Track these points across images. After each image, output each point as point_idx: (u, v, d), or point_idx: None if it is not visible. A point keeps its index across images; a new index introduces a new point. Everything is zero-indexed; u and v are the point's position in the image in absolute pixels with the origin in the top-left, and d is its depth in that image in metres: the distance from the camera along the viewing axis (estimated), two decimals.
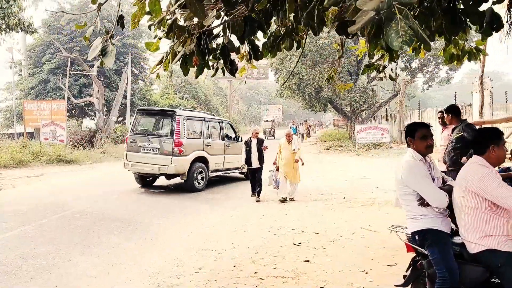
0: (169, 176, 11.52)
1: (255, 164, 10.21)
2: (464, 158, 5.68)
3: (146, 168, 11.16)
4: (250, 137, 10.47)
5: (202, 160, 11.61)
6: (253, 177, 10.28)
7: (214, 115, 13.70)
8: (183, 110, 12.09)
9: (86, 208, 8.94)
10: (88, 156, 20.37)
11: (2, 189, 11.92)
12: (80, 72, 30.10)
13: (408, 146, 3.56)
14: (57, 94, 29.93)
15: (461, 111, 6.54)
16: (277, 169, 10.10)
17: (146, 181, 12.28)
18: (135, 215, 8.37)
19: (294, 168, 9.81)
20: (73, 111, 32.85)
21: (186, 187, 11.25)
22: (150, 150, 11.25)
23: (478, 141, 3.27)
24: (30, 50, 33.00)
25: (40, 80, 30.98)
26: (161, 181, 12.73)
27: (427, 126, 3.53)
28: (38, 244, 6.39)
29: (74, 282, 4.99)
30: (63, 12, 4.54)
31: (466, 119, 6.26)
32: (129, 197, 10.33)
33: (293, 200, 9.81)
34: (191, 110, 13.51)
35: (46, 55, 31.54)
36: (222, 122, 13.20)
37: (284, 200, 9.70)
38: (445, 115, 6.39)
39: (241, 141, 13.17)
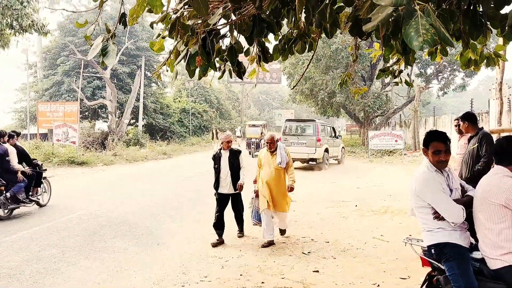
0: (311, 160, 17.64)
1: (226, 188, 6.75)
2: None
3: (298, 155, 17.24)
4: (221, 148, 6.91)
5: (326, 150, 18.22)
6: (222, 208, 6.79)
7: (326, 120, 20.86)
8: (316, 119, 19.35)
9: (94, 211, 8.86)
10: (99, 158, 20.41)
11: None
12: (93, 74, 30.32)
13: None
14: (71, 96, 30.18)
15: (478, 118, 6.26)
16: (257, 195, 6.81)
17: None
18: (143, 219, 8.25)
19: (281, 192, 6.64)
20: (86, 113, 33.08)
21: (320, 166, 17.91)
22: (299, 144, 17.69)
23: (507, 151, 3.04)
24: (45, 52, 33.39)
25: (54, 82, 31.29)
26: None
27: (443, 140, 3.18)
28: (43, 247, 6.31)
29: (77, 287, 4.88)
30: (72, 11, 4.45)
31: (482, 127, 6.01)
32: (137, 201, 10.24)
33: (284, 234, 7.06)
34: (319, 119, 21.03)
35: (61, 57, 31.87)
36: (331, 126, 20.61)
37: (268, 245, 6.51)
38: (461, 123, 6.15)
39: (338, 137, 20.85)
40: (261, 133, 25.95)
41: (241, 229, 7.16)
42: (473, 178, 5.53)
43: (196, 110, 39.99)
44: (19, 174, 8.34)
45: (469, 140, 6.04)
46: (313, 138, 17.57)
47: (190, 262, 5.75)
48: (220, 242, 6.68)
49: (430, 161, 3.24)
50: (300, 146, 17.61)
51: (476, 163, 5.67)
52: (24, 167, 8.69)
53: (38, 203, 9.06)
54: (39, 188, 9.22)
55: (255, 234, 7.25)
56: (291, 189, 6.72)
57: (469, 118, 5.98)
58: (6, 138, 8.49)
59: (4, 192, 8.06)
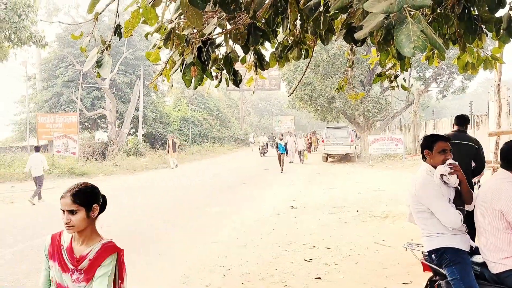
0: (346, 155, 24.20)
1: None
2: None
3: (337, 152, 24.08)
4: None
5: (355, 147, 24.30)
6: None
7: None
8: (348, 126, 26.21)
9: None
10: (100, 169, 20.41)
11: (13, 202, 11.93)
12: (92, 85, 30.40)
13: (424, 159, 3.35)
14: (70, 107, 30.24)
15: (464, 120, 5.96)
16: None
17: (327, 160, 24.90)
18: (143, 229, 8.24)
19: None
20: (86, 124, 33.12)
21: (351, 160, 24.15)
22: (338, 144, 23.65)
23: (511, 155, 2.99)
24: (44, 63, 33.48)
25: (53, 93, 31.36)
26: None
27: (447, 140, 3.29)
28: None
29: None
30: (68, 24, 4.47)
31: (458, 130, 5.73)
32: (137, 211, 10.22)
33: None
34: (346, 126, 26.76)
35: (60, 68, 31.94)
36: (354, 131, 26.39)
37: None
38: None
39: (358, 138, 27.56)
40: None
41: None
42: None
43: (195, 119, 40.04)
44: None
45: None
46: (348, 139, 23.63)
47: (191, 271, 5.73)
48: None
49: (434, 162, 3.24)
50: (339, 145, 23.75)
51: None
52: None
53: None
54: None
55: (256, 242, 7.23)
56: None
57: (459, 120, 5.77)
58: None
59: None
